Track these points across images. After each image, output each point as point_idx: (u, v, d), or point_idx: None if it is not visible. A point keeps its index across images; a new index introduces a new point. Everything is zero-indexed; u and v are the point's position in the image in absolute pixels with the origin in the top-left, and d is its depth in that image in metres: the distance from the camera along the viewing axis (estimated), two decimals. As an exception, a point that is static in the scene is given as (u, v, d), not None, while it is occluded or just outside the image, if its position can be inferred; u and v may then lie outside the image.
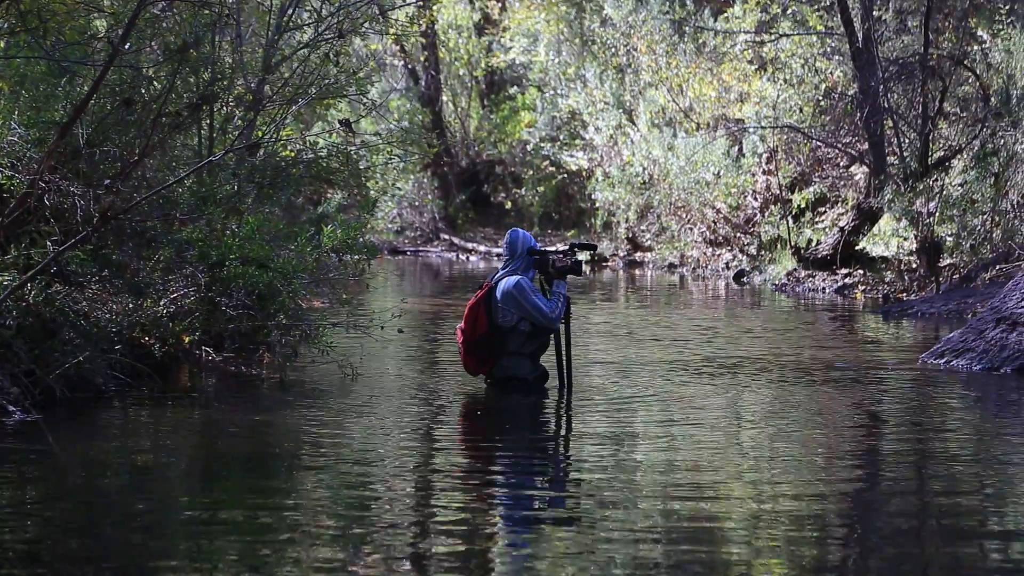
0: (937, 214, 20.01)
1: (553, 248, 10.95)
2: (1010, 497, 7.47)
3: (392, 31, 20.97)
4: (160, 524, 6.68)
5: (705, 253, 27.18)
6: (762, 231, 25.92)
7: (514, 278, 10.44)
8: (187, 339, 11.14)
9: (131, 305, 10.61)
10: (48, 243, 10.17)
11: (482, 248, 32.09)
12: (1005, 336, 12.37)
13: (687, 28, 28.85)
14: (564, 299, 10.60)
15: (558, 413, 10.28)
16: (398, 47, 34.53)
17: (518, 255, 10.54)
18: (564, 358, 10.73)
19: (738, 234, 26.75)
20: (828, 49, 25.69)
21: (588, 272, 21.68)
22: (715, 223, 27.10)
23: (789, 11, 27.01)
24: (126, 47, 10.42)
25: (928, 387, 11.59)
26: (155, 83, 11.88)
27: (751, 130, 26.37)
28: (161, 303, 10.91)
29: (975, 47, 23.10)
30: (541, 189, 33.63)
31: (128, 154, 10.86)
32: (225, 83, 12.85)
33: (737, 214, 26.81)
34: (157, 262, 11.14)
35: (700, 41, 28.71)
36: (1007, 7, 22.84)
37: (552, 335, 10.71)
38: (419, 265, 30.11)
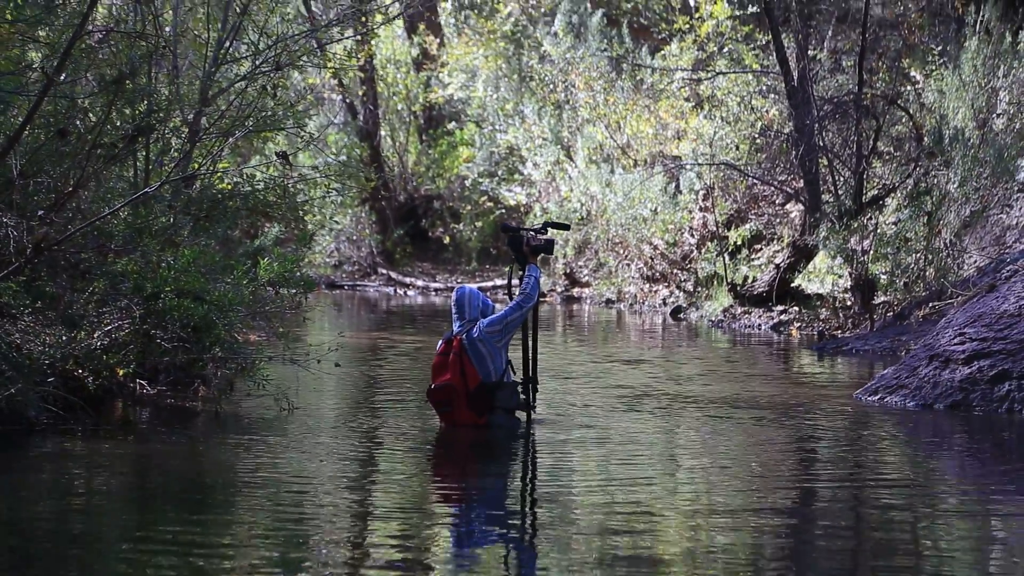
0: (871, 252, 20.18)
1: (527, 227, 10.94)
2: (941, 531, 7.53)
3: (330, 65, 20.95)
4: (93, 559, 6.60)
5: (642, 289, 27.26)
6: (699, 267, 26.04)
7: (475, 327, 10.45)
8: (121, 372, 11.05)
9: (64, 337, 10.51)
10: (-20, 274, 10.07)
11: (420, 283, 32.02)
12: (938, 373, 12.50)
13: (625, 65, 29.04)
14: (535, 280, 10.63)
15: (498, 443, 10.25)
16: (336, 81, 34.50)
17: (467, 316, 10.56)
18: (530, 352, 10.80)
19: (675, 270, 26.86)
20: (764, 87, 25.91)
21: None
22: (652, 259, 27.21)
23: (726, 49, 27.25)
24: (61, 77, 10.35)
25: (862, 423, 11.67)
26: (90, 114, 11.79)
27: (688, 167, 26.53)
28: (95, 335, 10.82)
29: (908, 87, 23.38)
30: (479, 224, 33.65)
31: (62, 185, 10.77)
32: (161, 115, 12.76)
33: (674, 250, 26.94)
34: (91, 294, 11.04)
35: (638, 78, 28.90)
36: (939, 48, 23.15)
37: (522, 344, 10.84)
38: (357, 299, 30.02)
